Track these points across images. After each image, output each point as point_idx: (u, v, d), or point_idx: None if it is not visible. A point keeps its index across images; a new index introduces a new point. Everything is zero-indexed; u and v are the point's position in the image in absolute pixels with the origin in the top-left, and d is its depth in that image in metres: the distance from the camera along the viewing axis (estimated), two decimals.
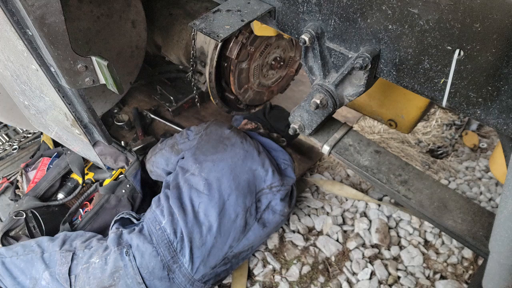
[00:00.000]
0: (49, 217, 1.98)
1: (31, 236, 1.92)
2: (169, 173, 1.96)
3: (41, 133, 2.62)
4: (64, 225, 1.90)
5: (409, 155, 2.61)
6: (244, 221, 1.75)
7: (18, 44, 1.15)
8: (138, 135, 2.58)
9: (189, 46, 2.15)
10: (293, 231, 2.18)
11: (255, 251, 2.06)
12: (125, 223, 1.81)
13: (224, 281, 1.96)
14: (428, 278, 1.99)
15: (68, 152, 2.12)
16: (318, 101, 1.14)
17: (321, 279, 1.99)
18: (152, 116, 2.75)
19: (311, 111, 1.26)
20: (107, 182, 2.03)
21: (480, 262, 2.02)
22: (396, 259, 2.08)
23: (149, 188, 2.16)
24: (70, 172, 2.16)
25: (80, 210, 2.05)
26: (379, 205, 2.27)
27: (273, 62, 2.15)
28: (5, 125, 2.74)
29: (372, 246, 2.12)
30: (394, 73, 0.95)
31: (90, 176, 2.17)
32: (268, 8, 1.09)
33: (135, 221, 1.80)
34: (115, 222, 1.78)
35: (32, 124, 1.80)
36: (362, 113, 1.68)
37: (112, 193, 1.95)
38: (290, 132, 1.37)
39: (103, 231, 1.89)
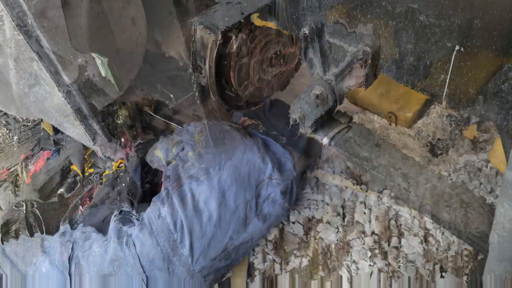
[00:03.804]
0: (49, 213, 2.00)
1: (31, 234, 1.93)
2: (169, 163, 1.96)
3: (41, 121, 2.60)
4: (64, 222, 1.92)
5: (409, 148, 2.61)
6: (244, 214, 1.76)
7: (19, 38, 1.15)
8: (138, 133, 2.58)
9: (189, 43, 2.15)
10: (293, 223, 2.18)
11: (255, 244, 2.07)
12: (125, 221, 1.81)
13: None
14: (427, 268, 1.99)
15: (68, 146, 2.13)
16: (318, 92, 1.15)
17: (321, 269, 2.00)
18: (152, 113, 2.74)
19: (311, 103, 1.27)
20: (107, 173, 2.03)
21: (480, 255, 2.03)
22: (396, 249, 2.08)
23: (149, 188, 2.16)
24: (70, 166, 2.17)
25: (80, 207, 2.06)
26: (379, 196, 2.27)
27: (273, 58, 2.15)
28: (5, 113, 2.71)
29: (372, 237, 2.12)
30: (393, 69, 0.96)
31: (90, 171, 2.18)
32: (268, 1, 1.09)
33: (135, 221, 1.80)
34: (115, 216, 1.78)
35: (32, 111, 1.79)
36: (363, 107, 1.69)
37: (112, 187, 1.96)
38: (291, 122, 1.37)
39: (102, 225, 1.90)
